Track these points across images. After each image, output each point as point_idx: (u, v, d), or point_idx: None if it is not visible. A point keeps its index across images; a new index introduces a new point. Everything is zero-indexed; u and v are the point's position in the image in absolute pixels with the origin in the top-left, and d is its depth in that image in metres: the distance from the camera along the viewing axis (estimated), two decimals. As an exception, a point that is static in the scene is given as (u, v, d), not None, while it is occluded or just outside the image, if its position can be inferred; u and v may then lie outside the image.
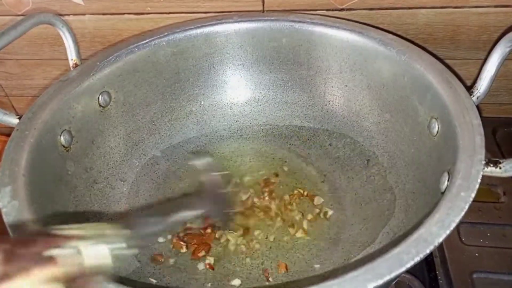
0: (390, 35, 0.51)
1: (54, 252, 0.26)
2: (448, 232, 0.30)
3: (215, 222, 0.51)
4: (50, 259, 0.26)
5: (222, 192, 0.43)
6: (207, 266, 0.48)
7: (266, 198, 0.53)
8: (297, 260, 0.47)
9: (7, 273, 0.24)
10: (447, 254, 0.46)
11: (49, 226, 0.30)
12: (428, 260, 0.48)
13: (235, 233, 0.50)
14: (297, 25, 0.55)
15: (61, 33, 0.53)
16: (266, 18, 0.56)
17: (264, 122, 0.61)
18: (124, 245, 0.31)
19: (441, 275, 0.46)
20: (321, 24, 0.55)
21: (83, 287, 0.28)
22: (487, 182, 0.53)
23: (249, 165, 0.58)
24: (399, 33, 0.58)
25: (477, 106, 0.40)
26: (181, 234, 0.51)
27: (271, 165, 0.58)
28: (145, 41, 0.54)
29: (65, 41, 0.53)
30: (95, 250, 0.29)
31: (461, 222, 0.31)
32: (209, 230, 0.51)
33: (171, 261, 0.48)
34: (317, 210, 0.52)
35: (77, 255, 0.27)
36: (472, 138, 0.37)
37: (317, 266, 0.46)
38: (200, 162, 0.46)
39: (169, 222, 0.37)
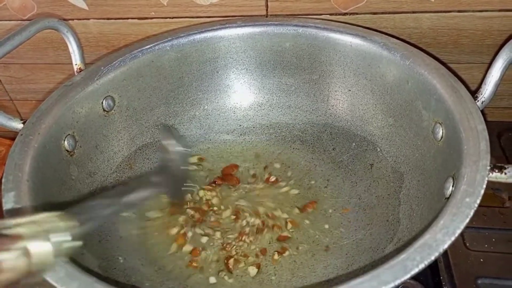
0: (394, 39, 0.51)
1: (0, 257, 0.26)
2: (453, 238, 0.30)
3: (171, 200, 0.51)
4: None
5: (183, 169, 0.43)
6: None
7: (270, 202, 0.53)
8: (300, 266, 0.47)
9: None
10: (452, 260, 0.46)
11: None
12: (432, 266, 0.47)
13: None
14: (300, 30, 0.55)
15: (65, 39, 0.53)
16: (270, 22, 0.56)
17: (267, 126, 0.61)
18: (69, 237, 0.30)
19: (446, 280, 0.45)
20: (324, 29, 0.55)
21: (26, 284, 0.28)
22: (492, 187, 0.53)
23: (252, 170, 0.58)
24: (402, 37, 0.58)
25: (482, 111, 0.40)
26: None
27: (274, 169, 0.57)
28: (149, 46, 0.54)
29: (69, 46, 0.53)
30: (40, 248, 0.28)
31: (465, 227, 0.31)
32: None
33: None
34: (320, 215, 0.51)
35: (22, 256, 0.27)
36: (477, 143, 0.36)
37: (320, 271, 0.46)
38: (166, 139, 0.46)
39: (122, 203, 0.37)
